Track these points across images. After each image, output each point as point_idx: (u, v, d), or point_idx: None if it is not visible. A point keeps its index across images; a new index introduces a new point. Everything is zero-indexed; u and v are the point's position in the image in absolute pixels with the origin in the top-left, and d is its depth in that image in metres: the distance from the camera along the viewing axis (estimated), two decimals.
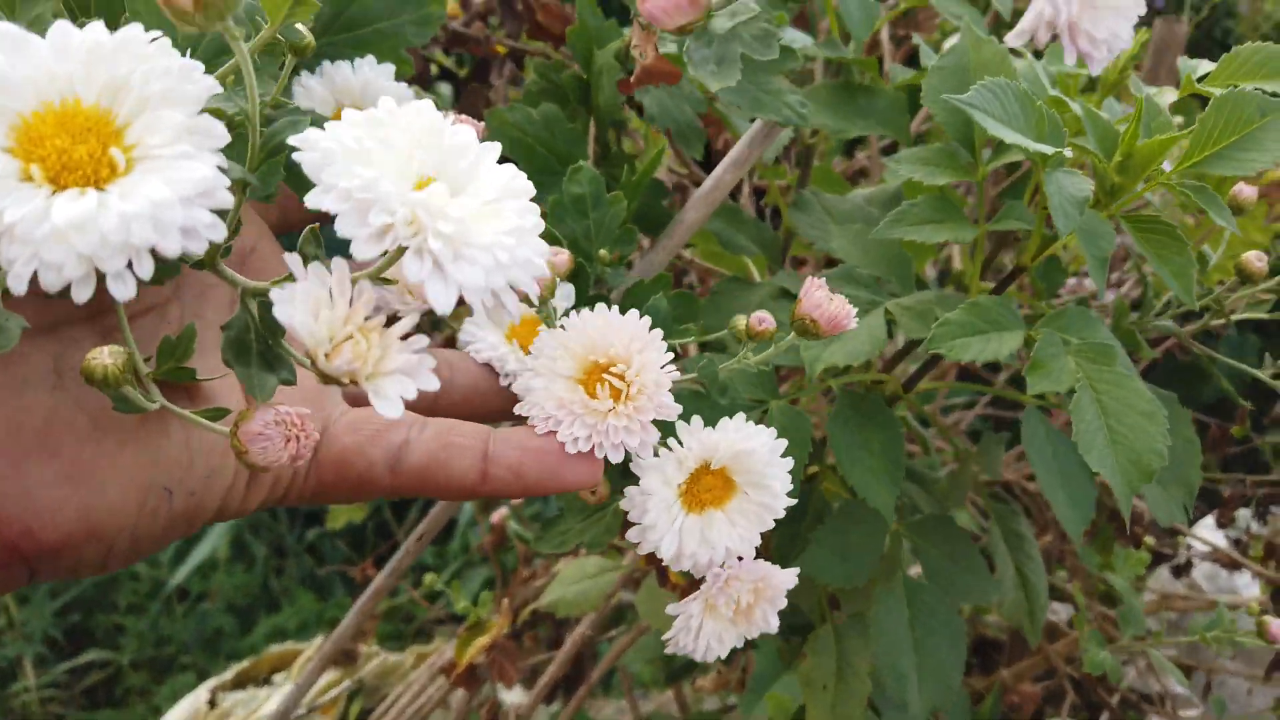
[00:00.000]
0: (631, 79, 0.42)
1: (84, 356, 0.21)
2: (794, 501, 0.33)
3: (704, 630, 0.32)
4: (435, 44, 0.64)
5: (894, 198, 0.55)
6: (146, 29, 0.19)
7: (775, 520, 0.33)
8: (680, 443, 0.32)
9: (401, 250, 0.21)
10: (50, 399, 0.23)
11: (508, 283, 0.22)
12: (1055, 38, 0.39)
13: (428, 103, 0.22)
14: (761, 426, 0.33)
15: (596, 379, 0.31)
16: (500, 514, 0.89)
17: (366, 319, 0.22)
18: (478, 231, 0.21)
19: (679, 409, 0.32)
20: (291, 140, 0.21)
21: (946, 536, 0.49)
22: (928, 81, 0.44)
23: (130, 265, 0.18)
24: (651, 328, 0.31)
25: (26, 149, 0.18)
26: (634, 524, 0.32)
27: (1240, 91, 0.38)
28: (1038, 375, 0.37)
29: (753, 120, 0.55)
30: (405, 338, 0.22)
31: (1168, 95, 0.45)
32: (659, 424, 0.31)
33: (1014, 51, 0.47)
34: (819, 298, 0.33)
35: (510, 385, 0.34)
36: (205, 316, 0.27)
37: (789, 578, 0.33)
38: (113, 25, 0.19)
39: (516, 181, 0.23)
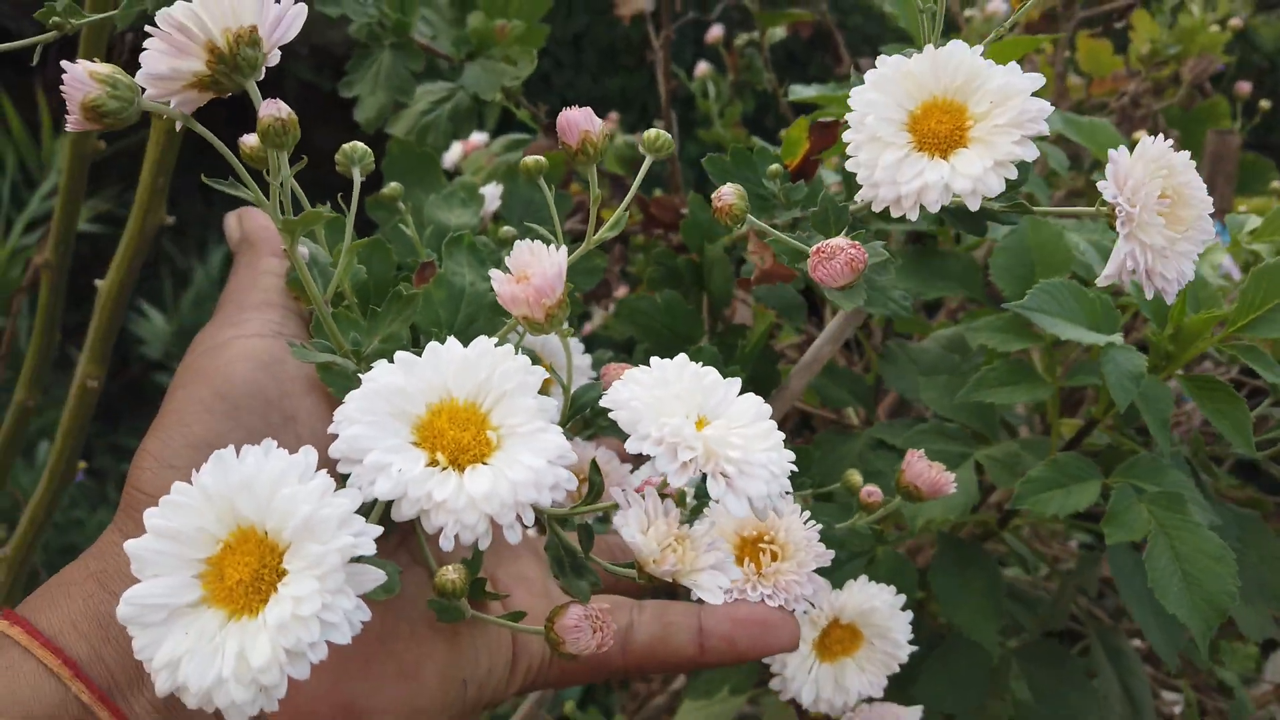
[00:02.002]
0: (752, 280, 0.49)
1: (404, 576, 0.28)
2: (915, 648, 0.39)
3: None
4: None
5: (966, 343, 0.61)
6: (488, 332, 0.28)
7: (899, 665, 0.39)
8: (811, 604, 0.39)
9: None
10: (383, 611, 0.29)
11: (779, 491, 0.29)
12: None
13: (683, 357, 0.31)
14: (882, 586, 0.39)
15: (749, 551, 0.37)
16: None
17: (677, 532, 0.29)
18: (756, 452, 0.29)
19: (832, 554, 0.37)
20: (604, 402, 0.29)
21: (1051, 659, 0.54)
22: (994, 260, 0.51)
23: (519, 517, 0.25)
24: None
25: (431, 441, 0.26)
26: (775, 674, 0.39)
27: (1274, 263, 0.44)
28: (1114, 526, 0.42)
29: None
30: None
31: (1216, 255, 0.51)
32: None
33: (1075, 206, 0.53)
34: (920, 468, 0.40)
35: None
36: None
37: (915, 715, 0.39)
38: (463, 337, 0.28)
39: (762, 407, 0.30)
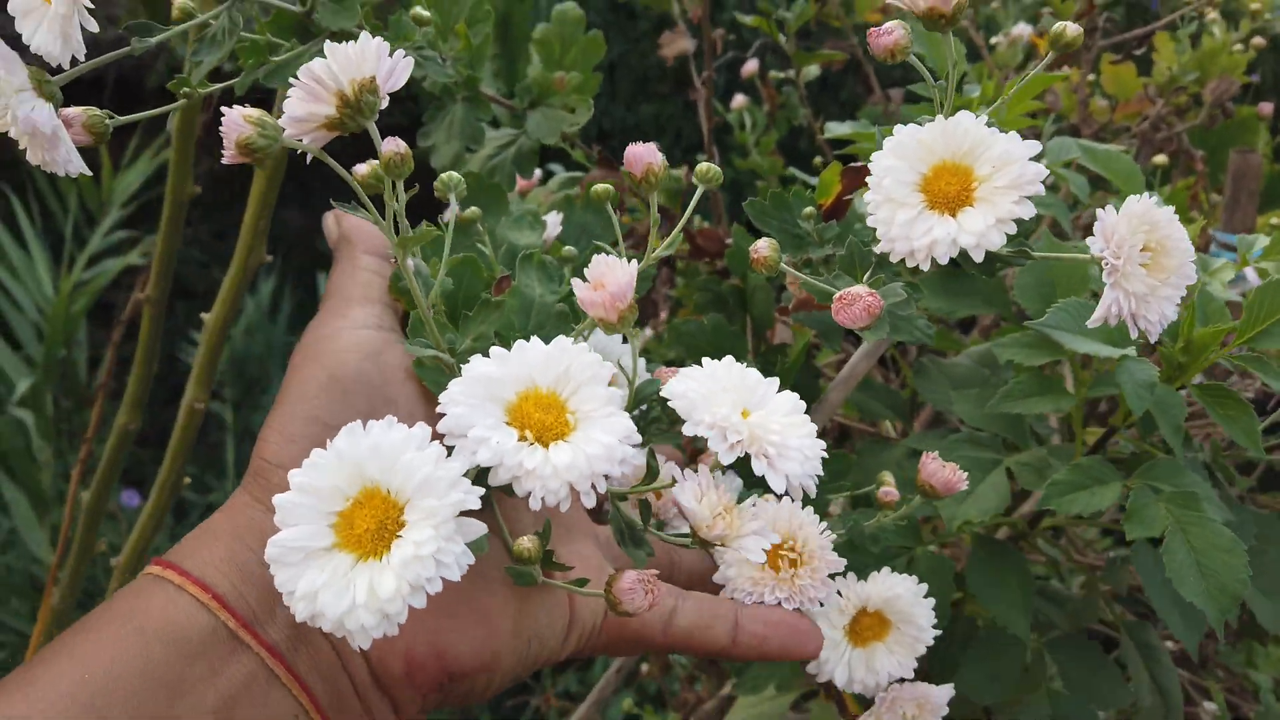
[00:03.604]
0: (790, 309, 0.54)
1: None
2: (939, 631, 0.43)
3: None
4: None
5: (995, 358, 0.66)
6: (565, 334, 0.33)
7: (927, 647, 0.43)
8: (840, 594, 0.43)
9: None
10: (468, 570, 0.33)
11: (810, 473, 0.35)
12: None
13: (730, 359, 0.36)
14: (903, 576, 0.43)
15: (771, 558, 0.42)
16: None
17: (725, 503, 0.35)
18: (790, 439, 0.34)
19: (843, 562, 0.42)
20: (664, 392, 0.34)
21: (1083, 651, 0.58)
22: (1019, 281, 0.55)
23: (594, 486, 0.30)
24: (806, 503, 0.42)
25: (520, 421, 0.31)
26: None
27: (1277, 280, 0.48)
28: (1133, 523, 0.46)
29: None
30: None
31: (1225, 273, 0.55)
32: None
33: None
34: (934, 468, 0.44)
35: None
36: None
37: (946, 693, 0.43)
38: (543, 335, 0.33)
39: (797, 402, 0.36)
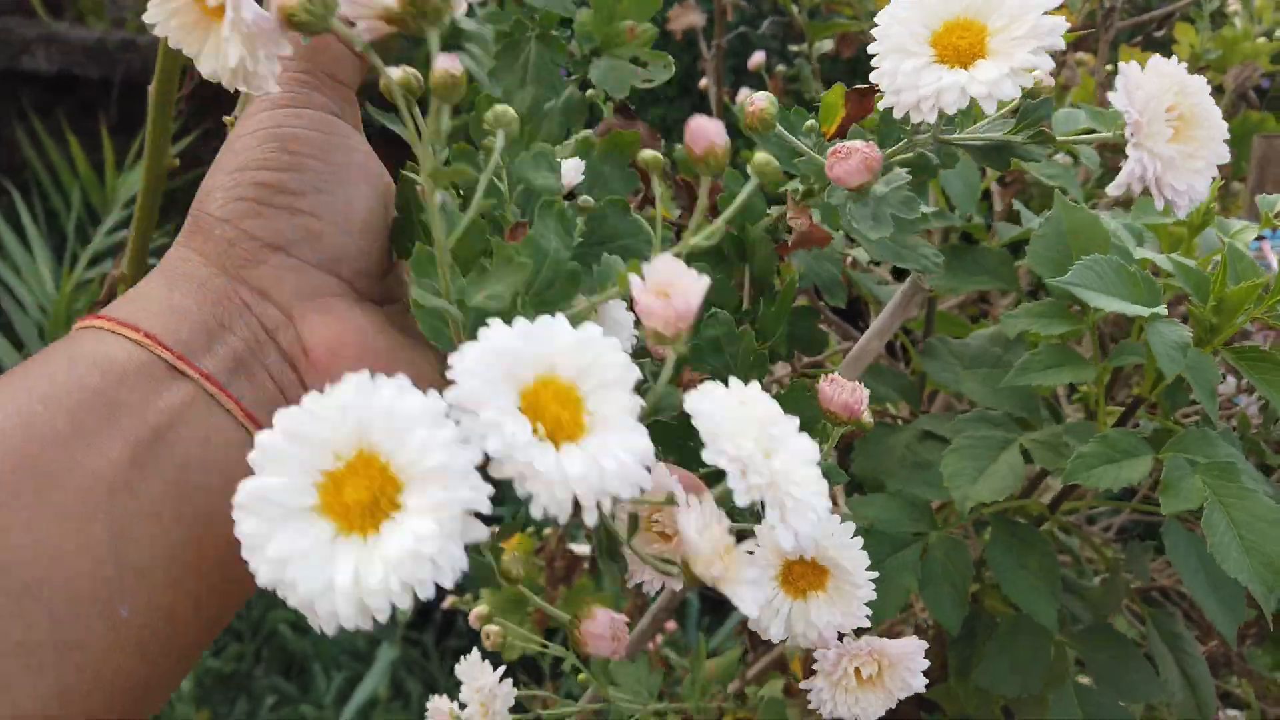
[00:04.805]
0: (790, 243, 0.51)
1: None
2: (876, 574, 0.39)
3: (838, 700, 0.38)
4: None
5: (1010, 337, 0.62)
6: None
7: (869, 603, 0.39)
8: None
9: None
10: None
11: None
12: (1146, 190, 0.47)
13: (756, 385, 0.32)
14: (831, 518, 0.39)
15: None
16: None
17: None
18: (812, 496, 0.30)
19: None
20: (687, 407, 0.30)
21: (1109, 642, 0.54)
22: (1031, 249, 0.52)
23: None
24: None
25: (534, 410, 0.27)
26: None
27: None
28: (1170, 496, 0.43)
29: (883, 284, 0.64)
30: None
31: (1247, 234, 0.52)
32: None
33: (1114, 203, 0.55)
34: (830, 392, 0.40)
35: None
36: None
37: (910, 647, 0.39)
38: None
39: (813, 450, 0.32)
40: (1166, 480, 0.43)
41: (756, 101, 0.39)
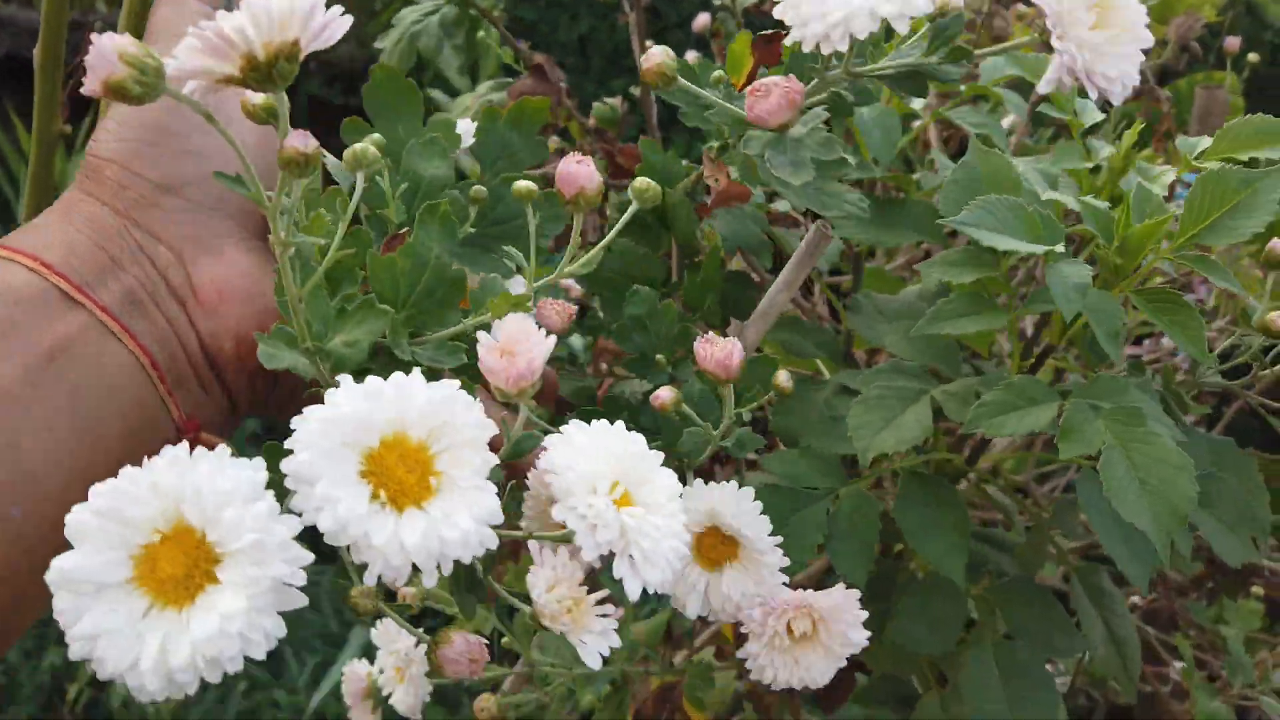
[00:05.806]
0: (710, 203, 0.49)
1: None
2: (779, 539, 0.37)
3: (775, 662, 0.37)
4: None
5: (942, 292, 0.61)
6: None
7: (780, 567, 0.37)
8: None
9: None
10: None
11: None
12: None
13: (620, 425, 0.32)
14: (724, 485, 0.38)
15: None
16: None
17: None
18: (663, 543, 0.31)
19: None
20: (541, 465, 0.31)
21: (1029, 597, 0.53)
22: (944, 195, 0.50)
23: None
24: None
25: (378, 476, 0.27)
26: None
27: (1222, 169, 0.43)
28: (1068, 441, 0.41)
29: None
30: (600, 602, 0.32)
31: (1168, 175, 0.50)
32: None
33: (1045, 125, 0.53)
34: (704, 351, 0.39)
35: None
36: None
37: (841, 597, 0.38)
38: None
39: (675, 486, 0.32)
40: (1066, 424, 0.42)
41: (653, 57, 0.37)
